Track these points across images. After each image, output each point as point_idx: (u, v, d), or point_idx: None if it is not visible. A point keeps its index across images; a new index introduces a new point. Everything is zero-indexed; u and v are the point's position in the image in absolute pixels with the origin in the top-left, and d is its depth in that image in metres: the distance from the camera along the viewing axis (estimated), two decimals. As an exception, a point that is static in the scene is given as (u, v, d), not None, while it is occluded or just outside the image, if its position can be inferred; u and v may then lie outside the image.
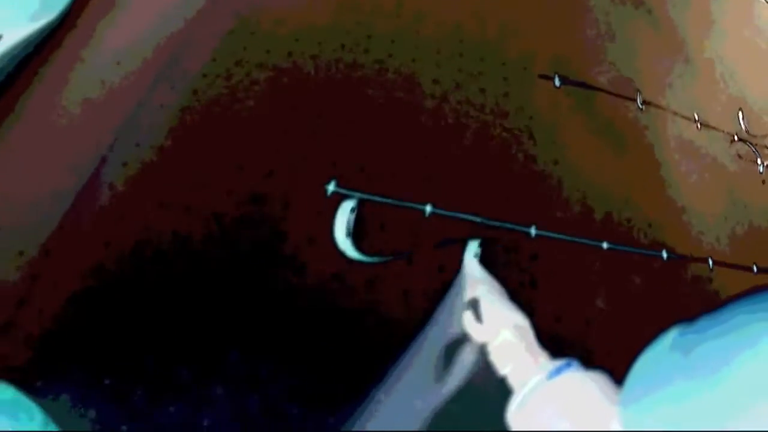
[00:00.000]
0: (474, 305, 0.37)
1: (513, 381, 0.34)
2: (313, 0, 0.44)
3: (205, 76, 0.39)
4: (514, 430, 0.32)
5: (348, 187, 0.37)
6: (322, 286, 0.34)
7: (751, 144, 0.61)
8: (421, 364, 0.37)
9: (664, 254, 0.44)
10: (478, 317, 0.37)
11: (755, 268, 0.50)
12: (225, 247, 0.33)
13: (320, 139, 0.38)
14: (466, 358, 0.37)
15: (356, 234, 0.36)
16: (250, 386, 0.30)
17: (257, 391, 0.30)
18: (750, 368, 0.23)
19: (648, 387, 0.28)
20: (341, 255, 0.35)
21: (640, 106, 0.50)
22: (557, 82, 0.47)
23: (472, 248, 0.38)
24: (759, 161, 0.61)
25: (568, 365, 0.33)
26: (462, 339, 0.37)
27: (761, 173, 0.60)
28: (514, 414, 0.33)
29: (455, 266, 0.37)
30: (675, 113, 0.53)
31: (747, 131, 0.62)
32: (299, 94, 0.40)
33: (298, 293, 0.33)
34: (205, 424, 0.31)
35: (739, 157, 0.58)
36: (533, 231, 0.38)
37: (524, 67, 0.45)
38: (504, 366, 0.35)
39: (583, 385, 0.32)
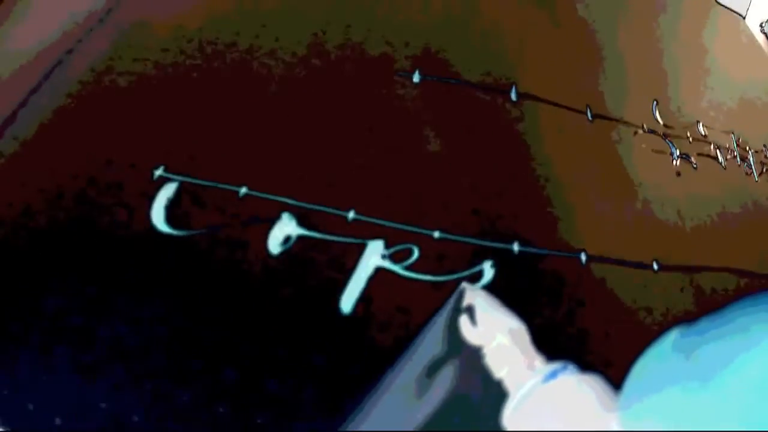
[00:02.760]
0: (469, 310, 0.39)
1: (509, 384, 0.35)
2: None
3: (80, 81, 0.46)
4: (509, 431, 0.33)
5: (176, 172, 0.42)
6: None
7: (665, 136, 0.59)
8: (404, 382, 0.38)
9: (515, 246, 0.44)
10: (473, 322, 0.39)
11: (656, 266, 0.49)
12: (66, 228, 0.40)
13: (154, 130, 0.44)
14: (445, 378, 0.38)
15: (173, 213, 0.41)
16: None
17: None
18: (751, 371, 0.23)
19: (648, 389, 0.28)
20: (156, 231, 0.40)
21: (513, 98, 0.50)
22: (416, 78, 0.48)
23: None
24: (674, 153, 0.58)
25: (564, 368, 0.34)
26: (443, 358, 0.38)
27: (675, 165, 0.58)
28: (509, 417, 0.34)
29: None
30: (558, 105, 0.52)
31: (663, 123, 0.59)
32: (140, 91, 0.45)
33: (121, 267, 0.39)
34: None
35: (645, 147, 0.56)
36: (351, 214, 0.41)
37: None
38: (500, 369, 0.36)
39: (578, 388, 0.33)
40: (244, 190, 0.41)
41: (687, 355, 0.26)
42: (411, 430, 0.36)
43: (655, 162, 0.56)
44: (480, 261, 0.42)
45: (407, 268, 0.40)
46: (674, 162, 0.57)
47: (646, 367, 0.29)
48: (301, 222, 0.40)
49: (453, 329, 0.39)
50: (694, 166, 0.58)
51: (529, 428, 0.33)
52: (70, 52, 0.48)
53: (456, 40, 0.52)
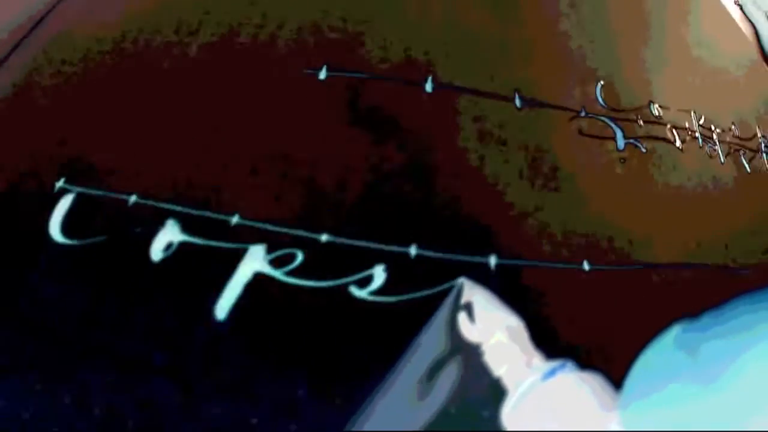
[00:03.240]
0: (468, 308, 0.39)
1: (507, 382, 0.35)
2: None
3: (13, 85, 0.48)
4: (508, 431, 0.33)
5: (77, 183, 0.43)
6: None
7: (611, 118, 0.55)
8: (406, 382, 0.38)
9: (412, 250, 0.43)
10: (471, 319, 0.39)
11: (586, 266, 0.46)
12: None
13: (58, 142, 0.45)
14: (447, 379, 0.38)
15: (69, 224, 0.42)
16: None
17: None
18: (754, 371, 0.24)
19: (649, 386, 0.29)
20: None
21: (428, 89, 0.48)
22: (322, 75, 0.47)
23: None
24: (618, 136, 0.54)
25: (563, 366, 0.34)
26: (445, 359, 0.38)
27: (620, 150, 0.54)
28: (508, 415, 0.34)
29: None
30: (479, 92, 0.50)
31: (607, 106, 0.55)
32: (51, 105, 0.47)
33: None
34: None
35: (581, 133, 0.52)
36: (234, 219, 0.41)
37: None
38: (498, 367, 0.36)
39: (577, 386, 0.33)
40: (133, 198, 0.42)
41: (689, 353, 0.26)
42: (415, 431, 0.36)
43: (592, 148, 0.52)
44: (371, 265, 0.40)
45: (288, 274, 0.39)
46: (618, 147, 0.54)
47: (647, 364, 0.29)
48: (185, 228, 0.40)
49: (454, 327, 0.39)
50: (643, 149, 0.55)
51: (528, 427, 0.33)
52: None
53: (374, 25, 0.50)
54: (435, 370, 0.38)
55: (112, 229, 0.41)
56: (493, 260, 0.43)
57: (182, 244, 0.40)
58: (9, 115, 0.48)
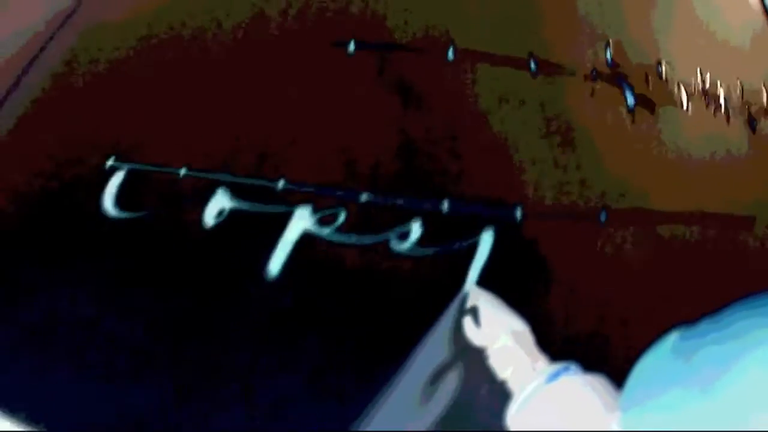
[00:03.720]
0: (473, 312, 0.40)
1: (512, 385, 0.36)
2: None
3: (41, 88, 0.51)
4: None
5: (126, 161, 0.46)
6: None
7: (621, 78, 0.57)
8: (410, 386, 0.39)
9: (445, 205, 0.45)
10: (477, 323, 0.40)
11: (603, 216, 0.48)
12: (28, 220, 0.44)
13: (106, 124, 0.48)
14: (450, 384, 0.39)
15: (123, 199, 0.45)
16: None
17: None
18: (750, 376, 0.23)
19: (648, 392, 0.29)
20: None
21: (449, 57, 0.51)
22: (351, 48, 0.49)
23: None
24: (629, 95, 0.57)
25: (567, 369, 0.35)
26: (448, 365, 0.39)
27: (631, 111, 0.57)
28: (513, 417, 0.35)
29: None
30: (496, 58, 0.52)
31: (616, 66, 0.58)
32: (94, 90, 0.49)
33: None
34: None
35: (593, 93, 0.55)
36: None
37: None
38: (504, 370, 0.37)
39: (581, 388, 0.34)
40: (183, 171, 0.44)
41: (686, 359, 0.27)
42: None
43: (605, 107, 0.55)
44: (408, 221, 0.43)
45: (334, 231, 0.42)
46: (629, 105, 0.56)
47: (645, 369, 0.30)
48: (235, 195, 0.43)
49: (458, 333, 0.40)
50: (650, 108, 0.57)
51: (533, 428, 0.34)
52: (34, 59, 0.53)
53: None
54: (438, 375, 0.39)
55: (165, 202, 0.43)
56: (518, 212, 0.46)
57: (233, 211, 0.42)
58: (51, 103, 0.50)
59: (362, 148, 0.45)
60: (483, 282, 0.43)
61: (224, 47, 0.48)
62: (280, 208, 0.43)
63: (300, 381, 0.39)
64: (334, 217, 0.43)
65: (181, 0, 0.51)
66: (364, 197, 0.44)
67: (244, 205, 0.43)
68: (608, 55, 0.58)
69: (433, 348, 0.40)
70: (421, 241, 0.43)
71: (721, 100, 0.63)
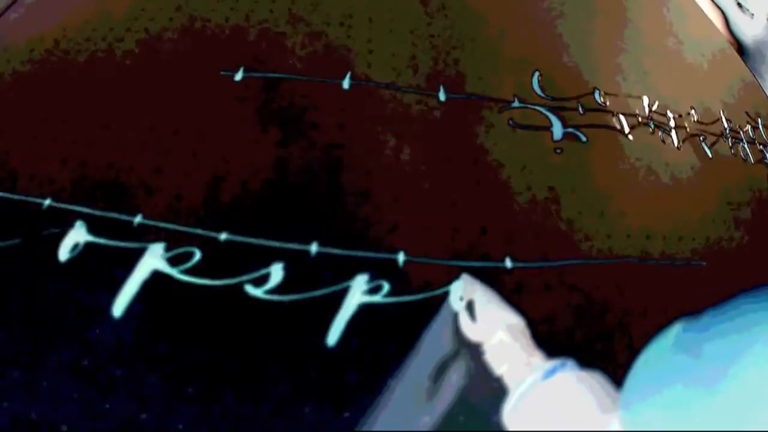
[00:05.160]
0: (469, 306, 0.40)
1: (508, 381, 0.36)
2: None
3: None
4: (509, 430, 0.34)
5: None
6: None
7: (548, 108, 0.53)
8: (413, 383, 0.38)
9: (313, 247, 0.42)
10: (473, 318, 0.39)
11: (509, 263, 0.44)
12: None
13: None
14: (455, 376, 0.38)
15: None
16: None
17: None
18: (755, 372, 0.24)
19: (650, 388, 0.29)
20: None
21: (345, 86, 0.48)
22: (238, 76, 0.47)
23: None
24: (556, 126, 0.52)
25: (563, 365, 0.35)
26: (452, 357, 0.39)
27: (557, 140, 0.52)
28: (509, 414, 0.34)
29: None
30: (400, 87, 0.49)
31: (544, 94, 0.53)
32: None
33: None
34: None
35: (512, 124, 0.50)
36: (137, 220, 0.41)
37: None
38: (499, 366, 0.37)
39: (577, 385, 0.34)
40: (48, 201, 0.43)
41: (690, 353, 0.27)
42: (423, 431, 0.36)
43: (525, 140, 0.51)
44: (269, 263, 0.41)
45: (185, 272, 0.40)
46: (554, 138, 0.52)
47: (647, 364, 0.29)
48: (91, 229, 0.41)
49: (458, 324, 0.39)
50: (583, 139, 0.53)
51: (529, 426, 0.33)
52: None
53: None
54: (442, 369, 0.38)
55: (28, 232, 0.42)
56: (401, 257, 0.42)
57: (88, 244, 0.41)
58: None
59: (230, 182, 0.43)
60: (353, 331, 0.40)
61: (112, 73, 0.47)
62: (133, 245, 0.41)
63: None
64: (188, 256, 0.40)
65: (79, 28, 0.50)
66: (223, 236, 0.41)
67: (100, 240, 0.41)
68: (536, 83, 0.53)
69: (434, 341, 0.39)
70: (281, 287, 0.40)
71: (671, 126, 0.57)
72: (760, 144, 0.63)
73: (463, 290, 0.41)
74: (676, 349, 0.28)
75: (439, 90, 0.50)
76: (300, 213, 0.43)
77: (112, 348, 0.39)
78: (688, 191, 0.56)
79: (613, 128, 0.54)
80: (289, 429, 0.37)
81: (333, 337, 0.39)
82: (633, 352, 0.35)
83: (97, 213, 0.42)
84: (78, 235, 0.41)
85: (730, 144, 0.60)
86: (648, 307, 0.45)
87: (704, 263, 0.51)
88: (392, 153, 0.46)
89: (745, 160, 0.61)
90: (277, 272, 0.40)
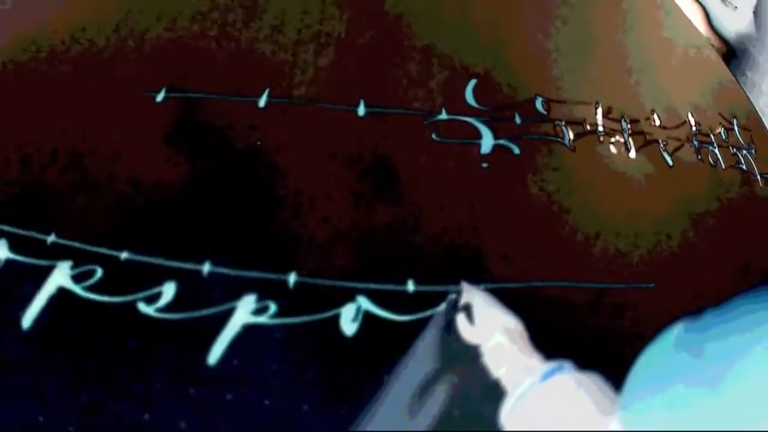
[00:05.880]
0: (467, 309, 0.40)
1: (506, 383, 0.36)
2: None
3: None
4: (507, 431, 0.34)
5: None
6: None
7: (479, 118, 0.50)
8: (398, 397, 0.39)
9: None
10: (471, 321, 0.40)
11: (411, 286, 0.43)
12: None
13: None
14: (438, 397, 0.39)
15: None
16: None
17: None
18: (757, 372, 0.24)
19: (651, 387, 0.29)
20: None
21: (261, 104, 0.48)
22: (159, 97, 0.49)
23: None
24: (486, 137, 0.50)
25: (561, 368, 0.35)
26: (436, 376, 0.39)
27: (486, 153, 0.49)
28: (507, 416, 0.35)
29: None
30: (316, 104, 0.49)
31: (478, 104, 0.51)
32: None
33: None
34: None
35: (436, 137, 0.48)
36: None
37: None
38: (498, 369, 0.37)
39: (575, 387, 0.34)
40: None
41: (691, 354, 0.26)
42: None
43: (451, 152, 0.49)
44: (162, 282, 0.42)
45: (87, 289, 0.42)
46: (481, 150, 0.50)
47: (648, 364, 0.29)
48: (12, 247, 0.45)
49: (446, 342, 0.40)
50: (516, 152, 0.50)
51: (527, 428, 0.34)
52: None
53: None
54: (426, 387, 0.39)
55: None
56: (292, 278, 0.43)
57: (8, 261, 0.44)
58: None
59: (136, 203, 0.45)
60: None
61: (50, 85, 0.50)
62: (45, 263, 0.43)
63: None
64: (90, 274, 0.43)
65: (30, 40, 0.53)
66: (124, 255, 0.43)
67: (19, 258, 0.44)
68: (469, 92, 0.51)
69: (420, 358, 0.40)
70: (171, 305, 0.42)
71: (625, 131, 0.54)
72: (734, 147, 0.57)
73: (463, 295, 0.41)
74: (678, 350, 0.27)
75: (359, 105, 0.49)
76: (198, 232, 0.44)
77: (18, 356, 0.41)
78: (639, 202, 0.52)
79: (553, 138, 0.51)
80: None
81: (214, 356, 0.40)
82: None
83: (18, 231, 0.45)
84: (1, 252, 0.45)
85: (697, 149, 0.55)
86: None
87: (652, 285, 0.47)
88: (300, 172, 0.46)
89: (714, 165, 0.55)
90: (169, 291, 0.42)
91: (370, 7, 0.51)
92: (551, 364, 0.35)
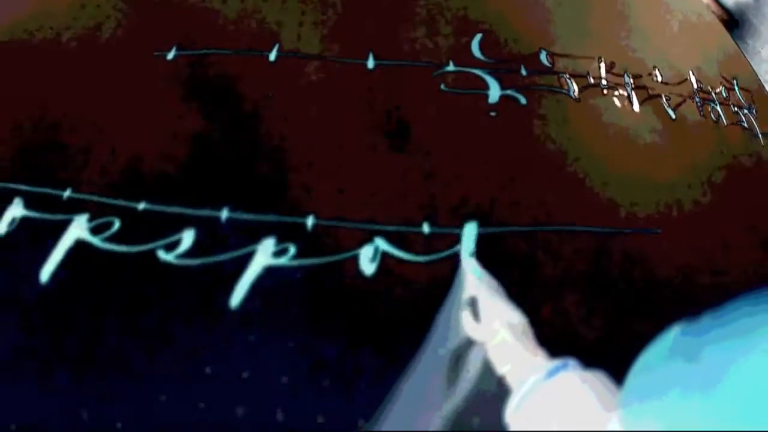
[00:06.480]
0: (472, 304, 0.40)
1: (511, 380, 0.36)
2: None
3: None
4: (512, 430, 0.34)
5: None
6: None
7: (485, 70, 0.51)
8: (428, 372, 0.38)
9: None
10: (476, 316, 0.39)
11: (426, 228, 0.43)
12: None
13: None
14: (474, 361, 0.38)
15: None
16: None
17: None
18: (754, 376, 0.24)
19: (648, 390, 0.29)
20: None
21: (272, 58, 0.49)
22: (170, 55, 0.49)
23: (468, 247, 0.42)
24: (493, 87, 0.51)
25: (566, 365, 0.35)
26: (469, 342, 0.39)
27: (493, 103, 0.50)
28: (512, 413, 0.35)
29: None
30: (326, 58, 0.49)
31: (484, 56, 0.52)
32: None
33: None
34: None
35: (445, 88, 0.49)
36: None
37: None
38: (503, 365, 0.37)
39: (580, 384, 0.34)
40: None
41: (688, 357, 0.26)
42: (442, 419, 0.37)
43: (460, 103, 0.50)
44: (180, 229, 0.42)
45: (105, 240, 0.42)
46: (489, 99, 0.51)
47: (646, 366, 0.29)
48: (27, 204, 0.45)
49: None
50: (522, 102, 0.51)
51: (532, 426, 0.34)
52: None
53: None
54: (459, 356, 0.38)
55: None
56: (310, 221, 0.43)
57: (24, 219, 0.44)
58: None
59: (150, 156, 0.45)
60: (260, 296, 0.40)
61: (56, 59, 0.50)
62: (61, 217, 0.43)
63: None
64: (108, 225, 0.43)
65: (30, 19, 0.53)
66: (141, 206, 0.43)
67: (34, 214, 0.44)
68: (475, 45, 0.52)
69: (448, 328, 0.39)
70: (190, 251, 0.42)
71: (628, 87, 0.55)
72: (735, 106, 0.58)
73: (467, 286, 0.41)
74: (675, 353, 0.27)
75: (368, 58, 0.50)
76: (214, 181, 0.44)
77: (38, 311, 0.41)
78: (647, 154, 0.53)
79: (558, 90, 0.52)
80: (190, 388, 0.39)
81: (236, 299, 0.40)
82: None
83: (32, 189, 0.45)
84: (16, 210, 0.44)
85: (699, 105, 0.56)
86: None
87: (659, 230, 0.48)
88: (313, 121, 0.47)
89: (717, 121, 0.56)
90: (188, 238, 0.42)
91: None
92: (556, 362, 0.35)
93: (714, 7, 0.77)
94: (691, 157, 0.53)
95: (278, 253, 0.41)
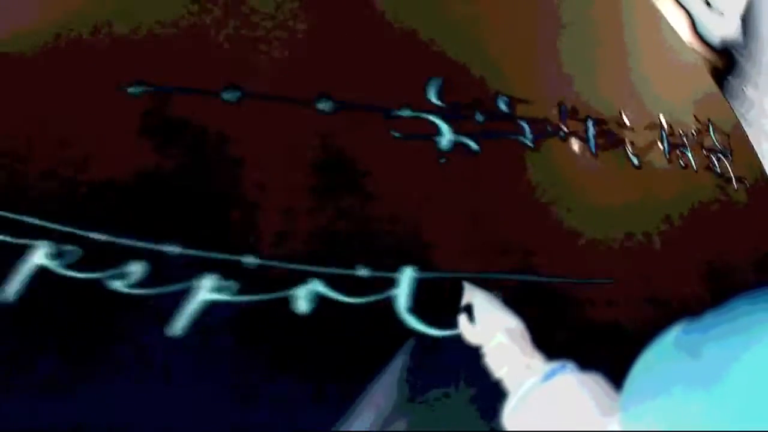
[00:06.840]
0: (468, 309, 0.42)
1: (508, 384, 0.38)
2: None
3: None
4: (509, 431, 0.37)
5: None
6: None
7: (440, 115, 0.52)
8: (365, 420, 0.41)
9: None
10: (472, 321, 0.42)
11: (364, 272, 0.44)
12: None
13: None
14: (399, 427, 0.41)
15: None
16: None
17: None
18: (754, 373, 0.24)
19: (650, 389, 0.29)
20: None
21: (227, 97, 0.51)
22: (132, 89, 0.51)
23: (404, 291, 0.44)
24: (445, 133, 0.52)
25: (563, 367, 0.37)
26: (394, 414, 0.41)
27: (444, 150, 0.51)
28: (509, 416, 0.36)
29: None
30: (280, 99, 0.51)
31: (441, 102, 0.53)
32: None
33: None
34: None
35: (395, 133, 0.50)
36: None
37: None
38: (499, 369, 0.39)
39: (577, 387, 0.35)
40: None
41: (689, 355, 0.27)
42: None
43: (411, 148, 0.51)
44: (132, 260, 0.45)
45: (64, 267, 0.46)
46: (440, 146, 0.52)
47: (647, 365, 0.30)
48: (-3, 228, 0.48)
49: (402, 384, 0.42)
50: (474, 149, 0.52)
51: (529, 427, 0.35)
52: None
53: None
54: (389, 420, 0.41)
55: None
56: (251, 260, 0.46)
57: (-6, 241, 0.47)
58: None
59: (108, 186, 0.48)
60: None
61: (23, 76, 0.53)
62: (26, 241, 0.47)
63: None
64: (68, 253, 0.46)
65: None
66: (96, 235, 0.46)
67: (6, 237, 0.48)
68: (432, 90, 0.54)
69: (382, 395, 0.41)
70: (139, 282, 0.45)
71: (588, 134, 0.55)
72: (707, 150, 0.58)
73: (464, 294, 0.42)
74: (676, 350, 0.28)
75: (320, 100, 0.52)
76: (165, 217, 0.47)
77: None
78: (600, 200, 0.53)
79: (515, 137, 0.53)
80: (132, 409, 0.42)
81: (177, 328, 0.43)
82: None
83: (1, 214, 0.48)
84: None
85: (667, 150, 0.56)
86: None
87: (612, 280, 0.49)
88: (263, 162, 0.49)
89: (685, 167, 0.56)
90: (138, 269, 0.45)
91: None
92: (553, 364, 0.36)
93: (698, 45, 0.76)
94: (652, 204, 0.54)
95: (219, 289, 0.44)
